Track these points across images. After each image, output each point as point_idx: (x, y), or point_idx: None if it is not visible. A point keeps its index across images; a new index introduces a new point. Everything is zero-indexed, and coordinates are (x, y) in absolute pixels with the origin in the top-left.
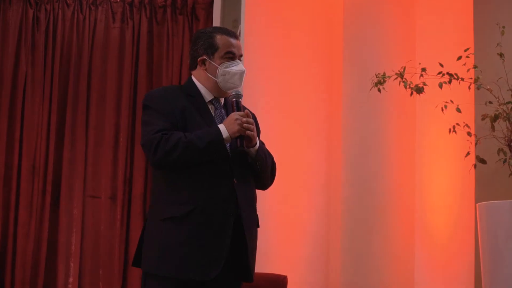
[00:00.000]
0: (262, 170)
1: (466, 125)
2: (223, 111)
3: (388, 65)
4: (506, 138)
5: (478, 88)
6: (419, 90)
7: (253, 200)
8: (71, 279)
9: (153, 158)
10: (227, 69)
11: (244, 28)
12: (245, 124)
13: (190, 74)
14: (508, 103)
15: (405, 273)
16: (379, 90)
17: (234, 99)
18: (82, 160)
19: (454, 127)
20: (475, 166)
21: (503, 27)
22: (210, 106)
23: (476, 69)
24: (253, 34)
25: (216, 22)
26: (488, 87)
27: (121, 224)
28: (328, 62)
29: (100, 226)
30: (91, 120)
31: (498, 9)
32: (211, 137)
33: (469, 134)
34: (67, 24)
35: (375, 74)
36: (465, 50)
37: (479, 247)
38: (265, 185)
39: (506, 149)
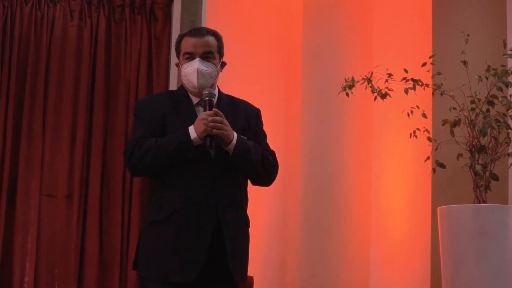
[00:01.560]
0: (245, 166)
1: (426, 130)
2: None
3: (346, 69)
4: (468, 144)
5: (441, 94)
6: (383, 95)
7: (238, 199)
8: (26, 279)
9: (128, 165)
10: (185, 70)
11: None
12: (211, 124)
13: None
14: (472, 109)
15: (361, 274)
16: (347, 94)
17: (206, 98)
18: (38, 158)
19: (414, 132)
20: (434, 170)
21: (468, 35)
22: (197, 109)
23: (439, 75)
24: None
25: (176, 22)
26: (452, 93)
27: (77, 223)
28: (287, 64)
29: (56, 225)
30: (48, 118)
31: (456, 17)
32: (179, 139)
33: (429, 139)
34: (25, 21)
35: (345, 79)
36: (430, 57)
37: (435, 250)
38: (262, 182)
39: (467, 154)
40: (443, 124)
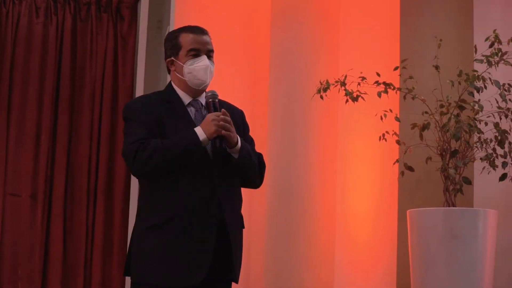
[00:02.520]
0: (247, 169)
1: (395, 133)
2: (205, 112)
3: (313, 71)
4: (439, 148)
5: (413, 98)
6: (355, 98)
7: (236, 201)
8: None
9: (132, 168)
10: (192, 66)
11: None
12: (221, 123)
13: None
14: (444, 114)
15: (325, 277)
16: (321, 97)
17: (210, 100)
18: (3, 157)
19: (384, 135)
20: (402, 173)
21: (440, 40)
22: (189, 109)
23: (411, 79)
24: None
25: (143, 22)
26: (423, 97)
27: (42, 223)
28: (255, 65)
29: (20, 224)
30: (13, 117)
31: (424, 21)
32: (188, 141)
33: (398, 142)
34: None
35: (320, 81)
36: (403, 61)
37: (402, 253)
38: (255, 184)
39: (436, 158)
40: (412, 128)
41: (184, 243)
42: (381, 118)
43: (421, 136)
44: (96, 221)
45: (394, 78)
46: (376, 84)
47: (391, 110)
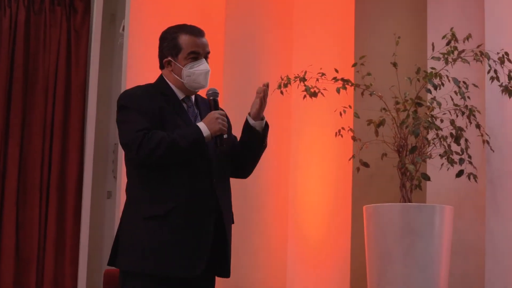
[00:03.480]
0: (261, 148)
1: (350, 129)
2: (196, 110)
3: (267, 67)
4: (396, 144)
5: (371, 95)
6: (313, 94)
7: (230, 197)
8: None
9: (136, 156)
10: (192, 69)
11: (129, 23)
12: (223, 123)
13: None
14: (404, 110)
15: (277, 274)
16: (281, 92)
17: (211, 98)
18: None
19: (339, 131)
20: (358, 169)
21: (399, 37)
22: (184, 104)
23: (369, 76)
24: (137, 29)
25: (97, 15)
26: (380, 93)
27: None
28: (209, 60)
29: None
30: None
31: (379, 19)
32: (194, 136)
33: (353, 138)
34: None
35: (281, 77)
36: (361, 58)
37: (356, 249)
38: (250, 170)
39: (392, 154)
40: (368, 124)
41: (184, 234)
42: (340, 114)
43: (376, 133)
44: (48, 217)
45: (350, 75)
46: (334, 81)
47: (350, 106)
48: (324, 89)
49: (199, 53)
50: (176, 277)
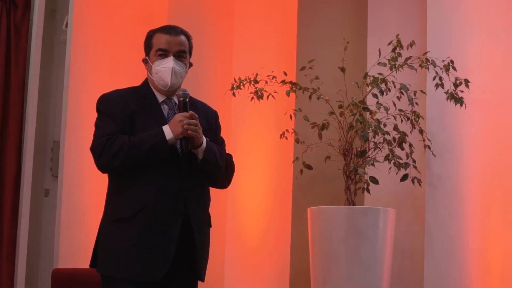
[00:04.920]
0: (212, 170)
1: (294, 131)
2: (177, 111)
3: (207, 69)
4: (341, 147)
5: (318, 98)
6: (260, 96)
7: (203, 199)
8: None
9: (98, 163)
10: (157, 67)
11: (73, 20)
12: (185, 126)
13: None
14: (353, 114)
15: (215, 274)
16: (234, 94)
17: (181, 99)
18: None
19: (284, 133)
20: (301, 171)
21: (347, 42)
22: (163, 107)
23: (317, 79)
24: (81, 26)
25: (38, 10)
26: (327, 97)
27: None
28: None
29: None
30: None
31: (321, 24)
32: (155, 140)
33: (297, 140)
34: None
35: (234, 79)
36: (309, 62)
37: (296, 250)
38: (223, 185)
39: (337, 157)
40: (313, 127)
41: (148, 237)
42: (291, 117)
43: (320, 136)
44: (3, 215)
45: (292, 78)
46: (282, 83)
47: (300, 110)
48: (275, 92)
49: (167, 51)
50: (138, 281)
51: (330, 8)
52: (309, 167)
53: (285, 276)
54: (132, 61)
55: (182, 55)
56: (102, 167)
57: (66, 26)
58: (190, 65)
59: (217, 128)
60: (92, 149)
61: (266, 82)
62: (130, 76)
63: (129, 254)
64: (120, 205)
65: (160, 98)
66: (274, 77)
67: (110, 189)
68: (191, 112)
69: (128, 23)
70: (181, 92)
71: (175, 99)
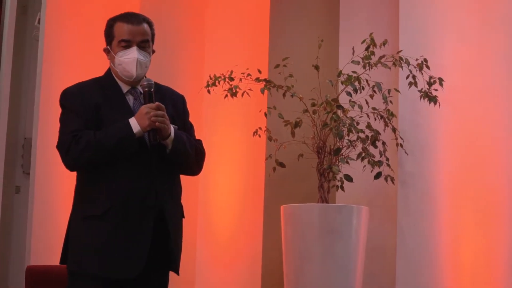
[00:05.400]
0: (182, 159)
1: (267, 129)
2: (143, 102)
3: (179, 67)
4: (315, 145)
5: (292, 96)
6: (234, 94)
7: (175, 190)
8: None
9: (65, 161)
10: (121, 58)
11: (45, 16)
12: (153, 118)
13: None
14: (328, 112)
15: (186, 274)
16: (208, 91)
17: (145, 89)
18: None
19: (257, 131)
20: (274, 169)
21: (322, 40)
22: (128, 97)
23: (291, 77)
24: (54, 22)
25: (12, 7)
26: (301, 95)
27: None
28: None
29: None
30: None
31: (293, 22)
32: (122, 134)
33: (270, 138)
34: None
35: (209, 76)
36: (284, 59)
37: (268, 248)
38: (193, 172)
39: (310, 155)
40: (286, 125)
41: (121, 234)
42: (266, 115)
43: (293, 134)
44: None
45: (264, 76)
46: (256, 81)
47: (275, 107)
48: (250, 90)
49: (130, 41)
50: (114, 278)
51: (302, 6)
52: (282, 164)
53: (257, 274)
54: (106, 57)
55: (146, 44)
56: (69, 165)
57: (39, 23)
58: (153, 52)
59: (185, 113)
60: (58, 147)
61: (241, 79)
62: (103, 72)
63: (102, 251)
64: (90, 202)
65: (125, 88)
66: (249, 74)
67: (78, 185)
68: (157, 103)
69: (101, 20)
70: (145, 83)
71: (140, 88)
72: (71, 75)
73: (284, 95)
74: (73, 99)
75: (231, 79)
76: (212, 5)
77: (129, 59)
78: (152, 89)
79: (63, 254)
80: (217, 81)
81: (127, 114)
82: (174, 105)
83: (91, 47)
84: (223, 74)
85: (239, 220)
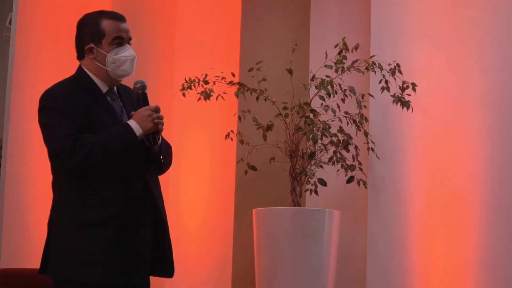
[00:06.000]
0: (167, 160)
1: (239, 132)
2: (120, 103)
3: (149, 70)
4: (288, 149)
5: (265, 100)
6: (207, 96)
7: (161, 196)
8: None
9: (68, 167)
10: (117, 56)
11: (17, 17)
12: (156, 120)
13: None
14: (301, 116)
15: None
16: (183, 94)
17: (140, 91)
18: None
19: (229, 134)
20: (246, 172)
21: (296, 44)
22: (107, 97)
23: (265, 81)
24: (26, 23)
25: None
26: (274, 99)
27: None
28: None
29: None
30: None
31: (263, 25)
32: (126, 138)
33: (241, 141)
34: None
35: (185, 79)
36: (258, 63)
37: (238, 251)
38: (164, 171)
39: (282, 159)
40: (258, 128)
41: (125, 241)
42: (240, 119)
43: (264, 137)
44: None
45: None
46: (230, 84)
47: (249, 111)
48: (224, 93)
49: (123, 38)
50: (117, 285)
51: (273, 10)
52: (253, 168)
53: (228, 276)
54: (72, 60)
55: (131, 43)
56: (74, 171)
57: (10, 23)
58: None
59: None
60: (55, 152)
61: (214, 82)
62: (64, 75)
63: (105, 258)
64: (87, 209)
65: (103, 88)
66: (223, 78)
67: (68, 190)
68: (156, 105)
69: (73, 20)
70: (139, 85)
71: (115, 90)
72: (43, 76)
73: (257, 98)
74: (62, 101)
75: (206, 82)
76: (183, 8)
77: (126, 57)
78: (146, 91)
79: (44, 261)
80: (192, 84)
81: (113, 117)
82: (132, 102)
83: (63, 48)
84: (197, 77)
85: (209, 222)
